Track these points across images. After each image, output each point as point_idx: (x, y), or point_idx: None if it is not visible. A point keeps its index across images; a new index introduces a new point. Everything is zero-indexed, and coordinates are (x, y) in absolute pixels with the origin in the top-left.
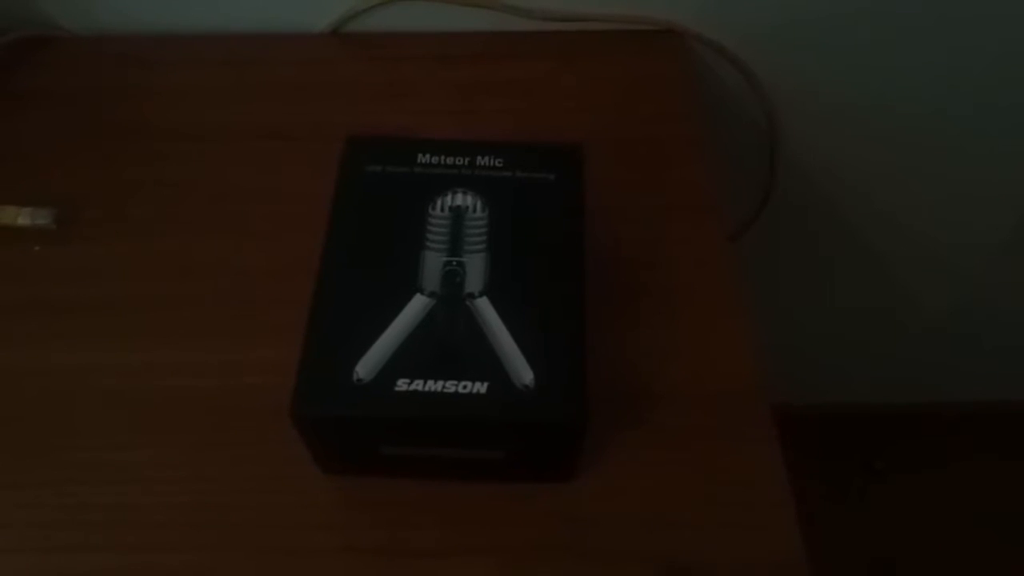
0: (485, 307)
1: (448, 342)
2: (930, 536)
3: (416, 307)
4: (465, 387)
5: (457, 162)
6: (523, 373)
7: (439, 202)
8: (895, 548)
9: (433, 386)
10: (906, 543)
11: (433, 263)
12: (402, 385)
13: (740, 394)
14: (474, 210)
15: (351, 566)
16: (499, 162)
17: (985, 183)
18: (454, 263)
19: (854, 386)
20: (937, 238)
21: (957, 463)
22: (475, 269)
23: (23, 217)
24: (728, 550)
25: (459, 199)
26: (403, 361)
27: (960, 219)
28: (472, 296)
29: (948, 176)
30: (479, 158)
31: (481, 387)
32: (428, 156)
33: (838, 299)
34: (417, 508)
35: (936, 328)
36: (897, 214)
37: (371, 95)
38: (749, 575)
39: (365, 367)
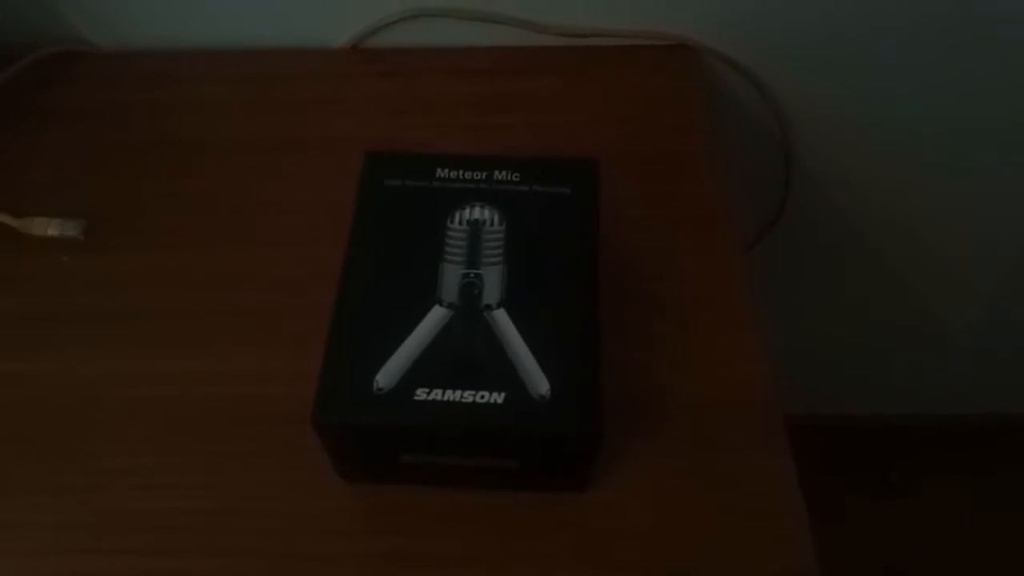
0: (502, 319)
1: (466, 353)
2: (944, 548)
3: (435, 318)
4: (483, 397)
5: (475, 176)
6: (539, 384)
7: (457, 215)
8: (908, 560)
9: (451, 395)
10: (920, 555)
11: (451, 275)
12: (421, 394)
13: (753, 405)
14: (491, 223)
15: (369, 572)
16: (516, 176)
17: (1002, 196)
18: (472, 275)
19: (869, 397)
20: (953, 250)
21: (972, 475)
22: (492, 281)
23: (52, 228)
24: (741, 561)
25: (476, 212)
26: (422, 371)
27: (976, 231)
28: (489, 308)
29: (964, 189)
30: (496, 172)
31: (498, 397)
32: (446, 171)
33: (853, 310)
34: (435, 516)
35: (953, 339)
36: (913, 227)
37: (389, 109)
38: None
39: (385, 376)
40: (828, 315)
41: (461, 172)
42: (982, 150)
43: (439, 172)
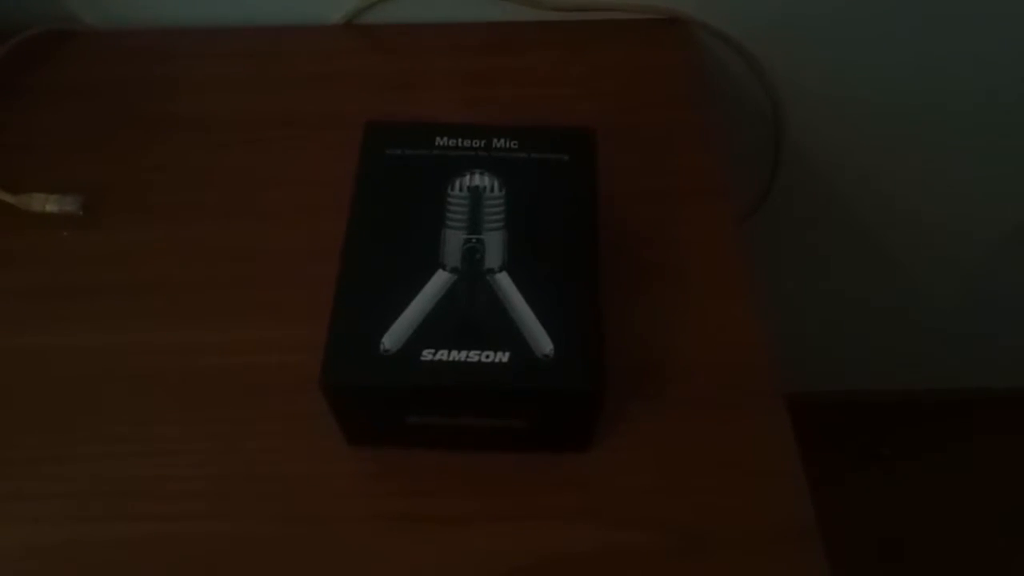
0: (505, 282)
1: (470, 315)
2: (938, 520)
3: (439, 282)
4: (488, 356)
5: (474, 144)
6: (543, 343)
7: (457, 183)
8: (903, 532)
9: (457, 356)
10: (914, 527)
11: (454, 240)
12: (427, 355)
13: (749, 367)
14: (491, 190)
15: (377, 533)
16: (514, 144)
17: (989, 176)
18: (474, 240)
19: (858, 373)
20: (940, 227)
21: (964, 447)
22: (494, 246)
23: (51, 204)
24: (740, 517)
25: (477, 179)
26: (427, 333)
27: (963, 210)
28: (492, 271)
29: (952, 167)
30: (495, 140)
31: (503, 356)
32: (446, 139)
33: (842, 286)
34: (440, 477)
35: (945, 315)
36: (900, 203)
37: (384, 85)
38: (761, 542)
39: (391, 338)
40: (818, 291)
41: (460, 140)
42: (975, 127)
43: (439, 140)
